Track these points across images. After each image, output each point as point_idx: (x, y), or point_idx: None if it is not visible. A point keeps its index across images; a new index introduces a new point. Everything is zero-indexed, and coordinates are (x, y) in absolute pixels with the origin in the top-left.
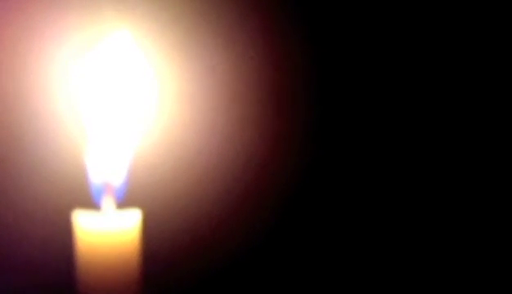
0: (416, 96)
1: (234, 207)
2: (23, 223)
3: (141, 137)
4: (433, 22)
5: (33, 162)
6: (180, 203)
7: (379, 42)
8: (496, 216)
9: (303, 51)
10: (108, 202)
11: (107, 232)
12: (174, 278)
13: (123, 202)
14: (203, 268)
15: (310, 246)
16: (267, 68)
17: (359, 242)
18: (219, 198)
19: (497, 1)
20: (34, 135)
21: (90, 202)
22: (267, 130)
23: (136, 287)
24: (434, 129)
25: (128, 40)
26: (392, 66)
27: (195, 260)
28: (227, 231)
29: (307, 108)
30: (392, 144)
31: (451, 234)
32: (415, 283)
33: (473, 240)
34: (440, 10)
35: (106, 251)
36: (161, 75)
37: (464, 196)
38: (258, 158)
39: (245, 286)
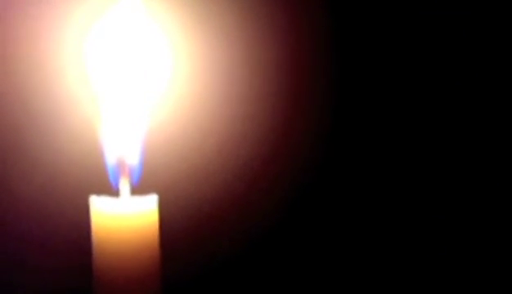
0: (433, 98)
1: (248, 188)
2: (39, 208)
3: (155, 114)
4: (457, 23)
5: (48, 146)
6: (193, 184)
7: (396, 43)
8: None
9: (322, 46)
10: (124, 184)
11: (124, 216)
12: (189, 260)
13: (139, 184)
14: (217, 251)
15: (320, 236)
16: (286, 52)
17: (367, 241)
18: (233, 178)
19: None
20: (49, 119)
21: (107, 187)
22: (284, 108)
23: (154, 272)
24: (451, 131)
25: (141, 8)
26: (408, 67)
27: (210, 243)
28: (242, 213)
29: (322, 105)
30: (406, 144)
31: (461, 235)
32: (421, 283)
33: (482, 240)
34: (461, 8)
35: (123, 236)
36: (176, 48)
37: (477, 196)
38: (273, 135)
39: (260, 268)
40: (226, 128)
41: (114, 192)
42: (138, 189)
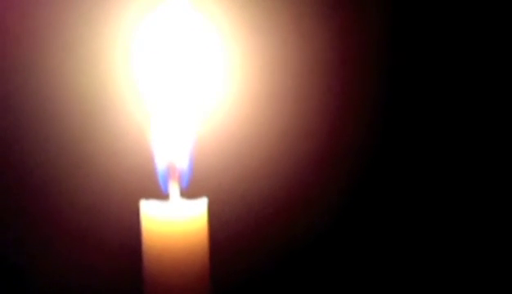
0: (484, 97)
1: (298, 192)
2: (92, 212)
3: (206, 117)
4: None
5: (100, 151)
6: (243, 188)
7: (449, 42)
8: None
9: (373, 45)
10: (174, 188)
11: (174, 220)
12: (238, 264)
13: (189, 188)
14: (267, 254)
15: (370, 243)
16: (338, 52)
17: (419, 241)
18: (284, 183)
19: None
20: (101, 124)
21: (157, 192)
22: (332, 118)
23: (204, 276)
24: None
25: (190, 6)
26: (460, 66)
27: (259, 247)
28: (292, 217)
29: (373, 105)
30: (457, 143)
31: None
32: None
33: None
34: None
35: (173, 240)
36: (227, 48)
37: None
38: (324, 137)
39: (310, 273)
40: (277, 131)
41: (164, 196)
42: (188, 193)
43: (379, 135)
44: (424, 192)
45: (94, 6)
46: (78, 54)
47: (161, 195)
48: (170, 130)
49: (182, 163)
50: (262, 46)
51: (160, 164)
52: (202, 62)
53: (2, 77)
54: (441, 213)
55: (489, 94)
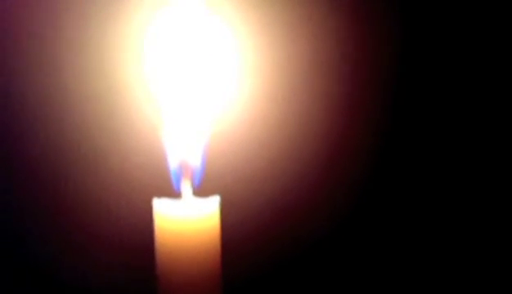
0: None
1: (310, 191)
2: (104, 211)
3: (218, 116)
4: None
5: (112, 150)
6: (255, 186)
7: (464, 43)
8: None
9: (387, 45)
10: (186, 187)
11: (186, 219)
12: (250, 263)
13: (201, 186)
14: (278, 253)
15: (382, 239)
16: (350, 47)
17: (424, 242)
18: (295, 183)
19: None
20: (114, 122)
21: (170, 190)
22: (345, 117)
23: (216, 273)
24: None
25: (203, 5)
26: (470, 67)
27: (270, 246)
28: (303, 216)
29: (384, 104)
30: (465, 147)
31: None
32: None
33: None
34: None
35: (185, 238)
36: (239, 47)
37: None
38: (335, 137)
39: (321, 272)
40: (289, 130)
41: (176, 194)
42: (200, 192)
43: (388, 137)
44: (431, 195)
45: (108, 5)
46: (91, 53)
47: (174, 193)
48: (183, 129)
49: (195, 162)
50: (274, 46)
51: (173, 163)
52: (214, 61)
53: (18, 77)
54: (448, 216)
55: (499, 97)
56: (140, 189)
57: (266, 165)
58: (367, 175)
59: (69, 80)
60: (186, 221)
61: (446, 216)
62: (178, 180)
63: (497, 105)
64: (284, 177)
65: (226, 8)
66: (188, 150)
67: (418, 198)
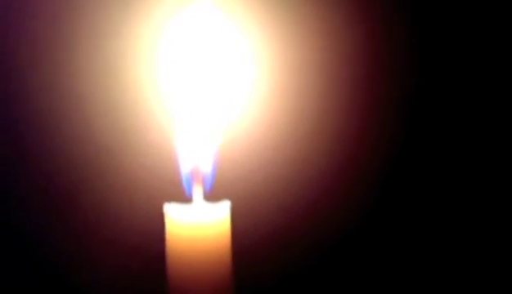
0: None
1: (322, 197)
2: (115, 215)
3: (230, 122)
4: None
5: (124, 155)
6: (267, 193)
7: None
8: None
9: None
10: (198, 191)
11: (197, 223)
12: (261, 269)
13: (212, 191)
14: (289, 258)
15: (395, 245)
16: (366, 52)
17: (440, 245)
18: (307, 187)
19: None
20: (126, 127)
21: (181, 195)
22: (358, 122)
23: (227, 279)
24: None
25: (216, 9)
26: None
27: (281, 250)
28: (315, 222)
29: (401, 104)
30: (480, 149)
31: None
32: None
33: None
34: None
35: (196, 243)
36: (252, 51)
37: None
38: (347, 148)
39: (334, 277)
40: (301, 135)
41: (187, 199)
42: (211, 197)
43: (403, 140)
44: (447, 198)
45: (122, 7)
46: (104, 57)
47: (185, 198)
48: (195, 134)
49: (206, 167)
50: (288, 51)
51: (185, 168)
52: (227, 66)
53: (31, 79)
54: (467, 219)
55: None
56: (151, 194)
57: (278, 170)
58: (382, 179)
59: (81, 83)
60: (197, 226)
61: (463, 218)
62: (190, 186)
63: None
64: (296, 183)
65: (241, 12)
66: (200, 156)
67: (434, 201)
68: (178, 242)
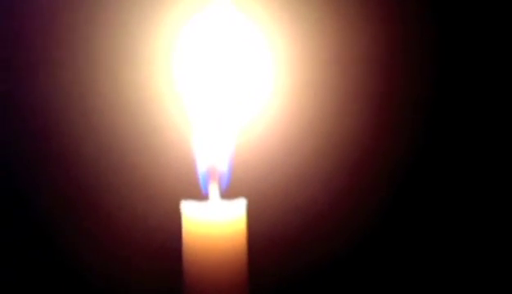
0: None
1: (338, 196)
2: (132, 215)
3: (246, 121)
4: None
5: (141, 153)
6: (282, 192)
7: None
8: None
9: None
10: (214, 189)
11: (213, 221)
12: (276, 267)
13: (228, 190)
14: (304, 258)
15: (413, 245)
16: (382, 51)
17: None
18: (323, 187)
19: None
20: (141, 126)
21: (198, 192)
22: (376, 122)
23: (242, 277)
24: None
25: (234, 8)
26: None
27: (297, 250)
28: (331, 222)
29: (420, 105)
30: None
31: None
32: None
33: None
34: None
35: (212, 241)
36: (269, 50)
37: None
38: (365, 148)
39: (350, 278)
40: (318, 135)
41: (204, 197)
42: (227, 195)
43: (421, 142)
44: (467, 202)
45: (141, 6)
46: (121, 56)
47: (201, 196)
48: (211, 132)
49: (223, 165)
50: (307, 50)
51: (201, 166)
52: (244, 65)
53: (48, 78)
54: (480, 222)
55: None
56: (168, 192)
57: (295, 170)
58: (400, 180)
59: (100, 83)
60: (213, 224)
61: (476, 221)
62: (206, 184)
63: None
64: (313, 183)
65: (260, 12)
66: (216, 154)
67: (452, 205)
68: (194, 240)
